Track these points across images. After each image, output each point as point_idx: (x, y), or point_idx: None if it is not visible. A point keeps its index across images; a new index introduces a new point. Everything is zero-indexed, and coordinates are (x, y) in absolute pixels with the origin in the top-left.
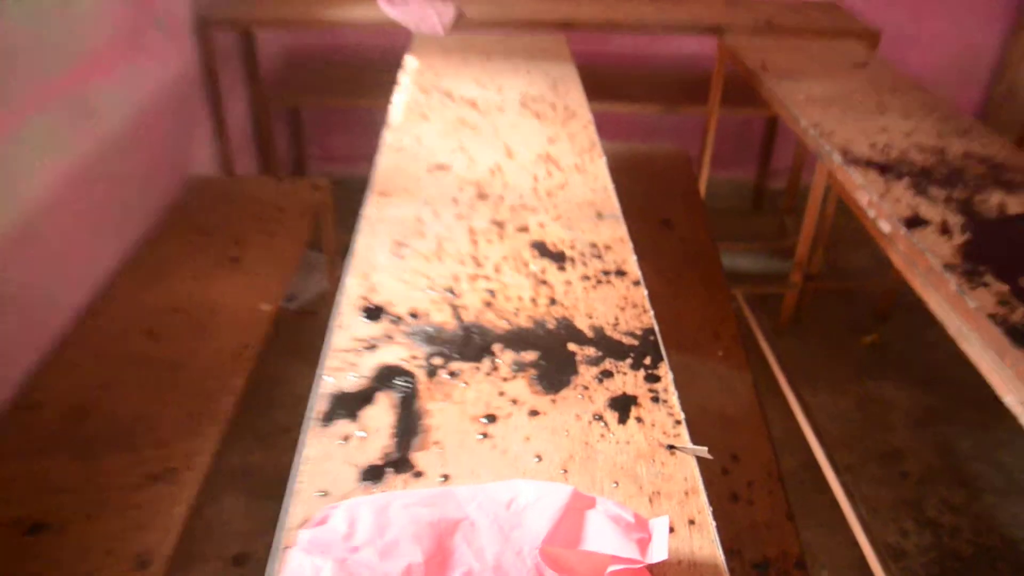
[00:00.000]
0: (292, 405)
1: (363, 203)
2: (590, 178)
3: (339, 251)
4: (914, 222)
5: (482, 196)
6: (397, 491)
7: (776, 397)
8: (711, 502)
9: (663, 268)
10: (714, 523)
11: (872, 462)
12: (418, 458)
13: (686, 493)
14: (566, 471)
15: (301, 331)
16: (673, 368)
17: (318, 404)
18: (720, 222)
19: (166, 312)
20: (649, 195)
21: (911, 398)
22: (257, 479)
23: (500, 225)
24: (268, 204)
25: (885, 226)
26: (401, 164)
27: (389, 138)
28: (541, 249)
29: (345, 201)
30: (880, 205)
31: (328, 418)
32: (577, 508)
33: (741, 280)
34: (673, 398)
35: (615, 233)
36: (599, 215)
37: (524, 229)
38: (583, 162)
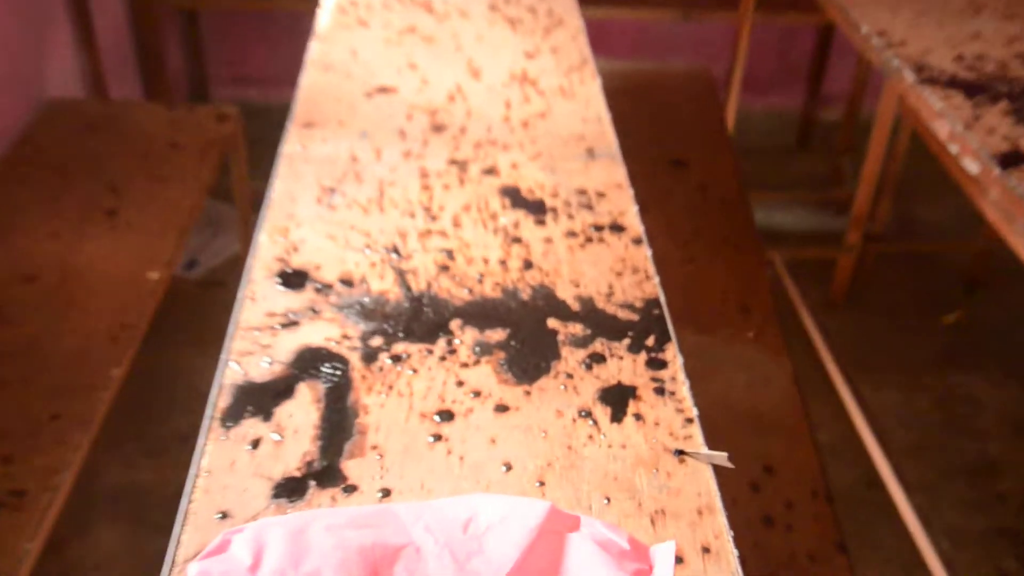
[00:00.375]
0: (192, 405)
1: (282, 139)
2: (580, 105)
3: (254, 202)
4: (1013, 159)
5: (437, 128)
6: (320, 510)
7: (824, 392)
8: (737, 526)
9: (675, 223)
10: (736, 552)
11: (957, 479)
12: (351, 468)
13: (699, 512)
14: (543, 483)
15: (204, 308)
16: (687, 352)
17: (220, 399)
18: (753, 164)
19: (15, 282)
20: (658, 128)
21: (1007, 395)
22: (144, 503)
23: (461, 166)
24: (156, 139)
25: (973, 166)
26: (332, 86)
27: (316, 51)
28: (514, 197)
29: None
30: (966, 138)
31: (232, 417)
32: (555, 530)
33: (780, 240)
34: (683, 389)
35: (611, 177)
36: (590, 153)
37: (492, 171)
38: (571, 84)
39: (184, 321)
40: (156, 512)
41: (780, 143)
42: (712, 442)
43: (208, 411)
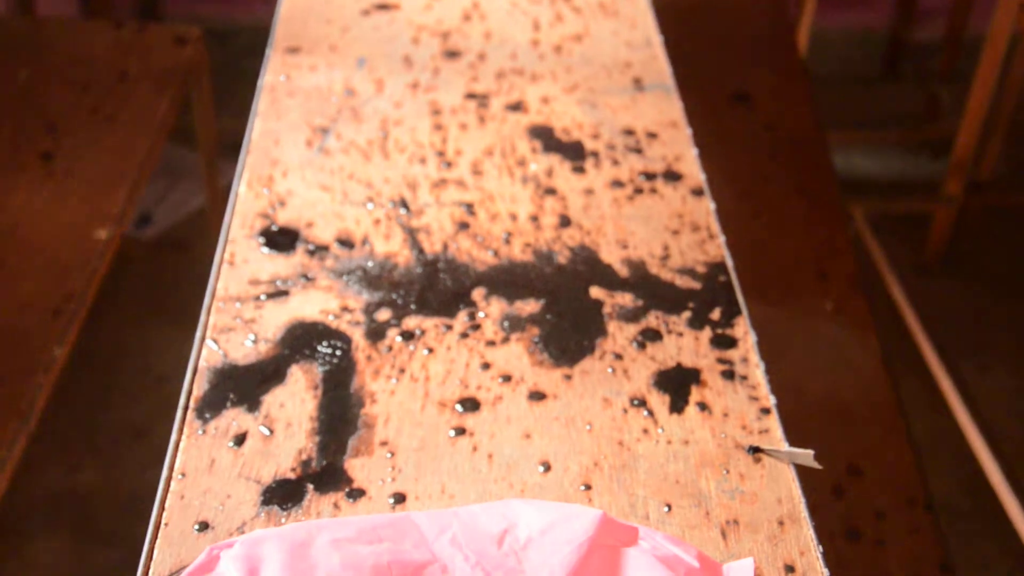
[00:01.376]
0: (148, 392)
1: (262, 67)
2: (625, 24)
3: (222, 145)
4: None
5: (451, 54)
6: (323, 520)
7: (918, 375)
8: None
9: (735, 171)
10: (827, 572)
11: None
12: (356, 468)
13: (780, 523)
14: (589, 487)
15: (161, 274)
16: (754, 326)
17: (196, 385)
18: (831, 97)
19: None
20: (716, 54)
21: None
22: (91, 510)
23: (481, 100)
24: (100, 67)
25: None
26: (320, 2)
27: None
28: (546, 139)
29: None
30: None
31: (211, 407)
32: (609, 544)
33: (864, 190)
34: (758, 373)
35: (664, 113)
36: (638, 84)
37: (518, 107)
38: (613, 0)
39: (137, 290)
40: (104, 520)
41: (864, 71)
42: (789, 438)
43: (182, 400)
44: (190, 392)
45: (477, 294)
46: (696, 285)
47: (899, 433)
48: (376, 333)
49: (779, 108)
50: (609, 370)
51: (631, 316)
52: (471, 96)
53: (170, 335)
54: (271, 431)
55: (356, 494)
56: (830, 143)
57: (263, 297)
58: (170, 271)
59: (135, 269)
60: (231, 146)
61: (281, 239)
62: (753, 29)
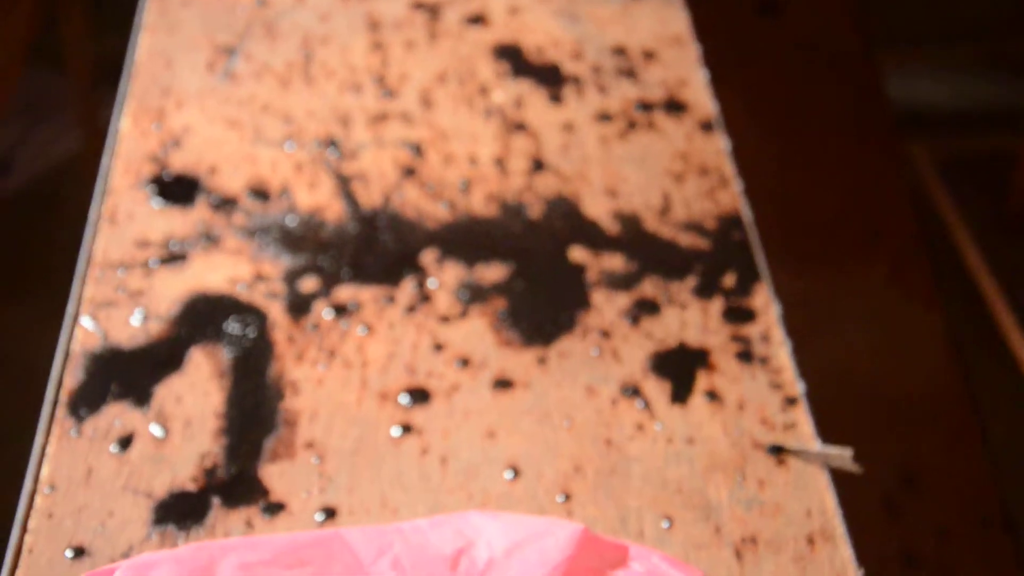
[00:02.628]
0: (7, 383)
1: None
2: None
3: (101, 68)
4: None
5: None
6: (231, 539)
7: (999, 362)
8: (864, 563)
9: (763, 101)
10: None
11: None
12: (274, 476)
13: (810, 540)
14: (568, 497)
15: (23, 235)
16: (786, 296)
17: (68, 375)
18: (883, 4)
19: None
20: None
21: None
22: None
23: (431, 11)
24: None
25: None
26: None
27: None
28: (514, 60)
29: None
30: None
31: (87, 402)
32: (592, 567)
33: (928, 125)
34: (782, 353)
35: (664, 26)
36: None
37: (479, 19)
38: None
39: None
40: None
41: None
42: (824, 434)
43: (49, 393)
44: (60, 383)
45: (427, 257)
46: (704, 244)
47: (970, 434)
48: (299, 307)
49: (816, 20)
50: (594, 351)
51: (622, 283)
52: (418, 6)
53: (35, 314)
54: (165, 431)
55: (274, 508)
56: (883, 64)
57: (154, 263)
58: (35, 233)
59: None
60: (112, 70)
61: (176, 189)
62: None
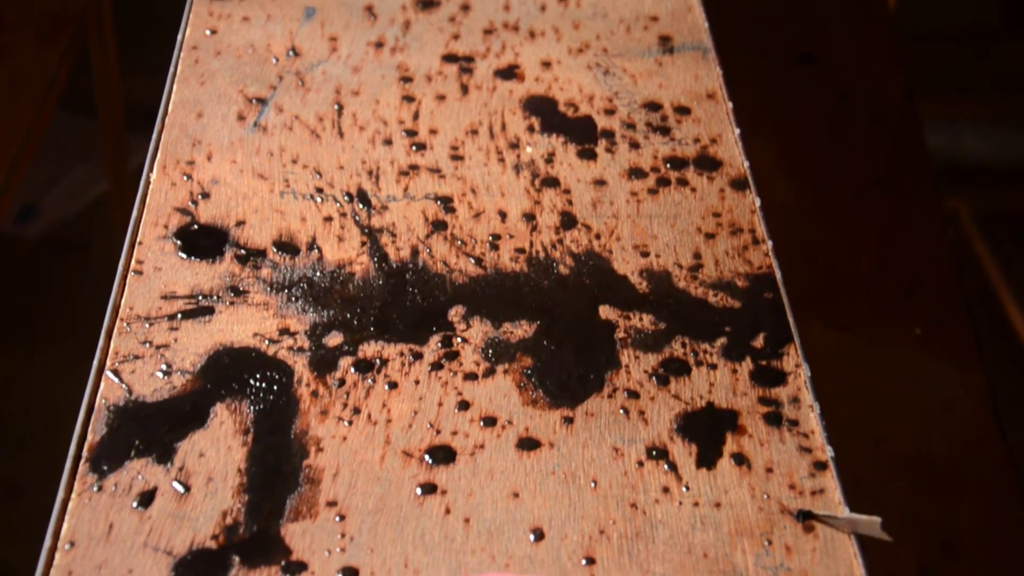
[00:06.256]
0: (29, 437)
1: (183, 16)
2: None
3: (130, 114)
4: None
5: (427, 2)
6: None
7: None
8: None
9: (799, 153)
10: None
11: None
12: (296, 535)
13: None
14: (592, 561)
15: (50, 282)
16: (816, 357)
17: (91, 429)
18: (927, 57)
19: None
20: (776, 1)
21: None
22: None
23: (464, 64)
24: None
25: None
26: None
27: None
28: (546, 115)
29: (141, 6)
30: None
31: (110, 457)
32: None
33: (971, 179)
34: (812, 417)
35: (698, 81)
36: (665, 44)
37: (511, 73)
38: None
39: (16, 304)
40: None
41: (972, 21)
42: (856, 501)
43: (72, 447)
44: (83, 437)
45: (454, 314)
46: (735, 304)
47: (1011, 500)
48: (324, 363)
49: (857, 72)
50: (621, 411)
51: (651, 343)
52: (451, 58)
53: (57, 363)
54: (187, 488)
55: (295, 568)
56: (925, 116)
57: (179, 316)
58: (60, 279)
59: (14, 276)
60: (142, 115)
61: (204, 241)
62: None
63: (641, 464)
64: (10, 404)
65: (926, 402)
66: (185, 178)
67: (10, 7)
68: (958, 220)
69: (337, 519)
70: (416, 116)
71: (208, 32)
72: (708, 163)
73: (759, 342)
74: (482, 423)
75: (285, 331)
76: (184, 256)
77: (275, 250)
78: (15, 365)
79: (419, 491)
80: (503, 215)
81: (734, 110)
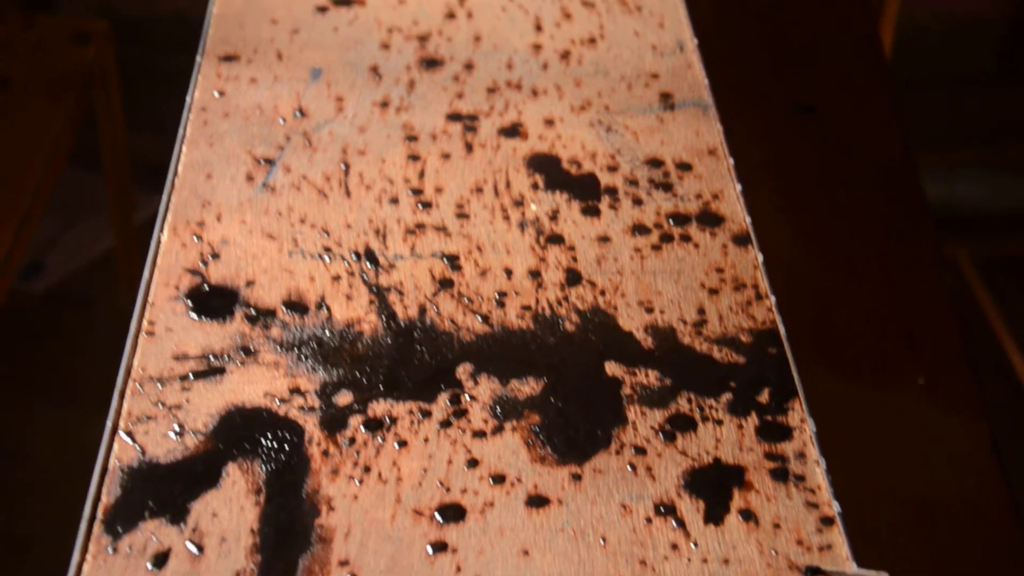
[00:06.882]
0: (36, 495)
1: (191, 79)
2: (650, 23)
3: (135, 168)
4: None
5: (431, 63)
6: None
7: None
8: None
9: (800, 204)
10: None
11: None
12: None
13: None
14: None
15: (55, 338)
16: (818, 407)
17: (105, 491)
18: (925, 106)
19: None
20: (774, 54)
21: None
22: None
23: (468, 123)
24: None
25: None
26: None
27: None
28: (550, 172)
29: (145, 63)
30: None
31: (124, 518)
32: None
33: (971, 227)
34: (818, 472)
35: (700, 138)
36: (667, 101)
37: (515, 131)
38: None
39: (21, 360)
40: None
41: (971, 70)
42: (862, 553)
43: (87, 509)
44: (97, 499)
45: (462, 371)
46: (739, 359)
47: (1016, 548)
48: (335, 422)
49: (856, 122)
50: (629, 468)
51: (657, 399)
52: (455, 117)
53: (62, 419)
54: (201, 548)
55: None
56: (924, 166)
57: (191, 376)
58: (65, 335)
59: (20, 332)
60: (146, 169)
61: (214, 301)
62: (821, 19)
63: (649, 521)
64: (17, 459)
65: (930, 452)
66: (195, 239)
67: (18, 66)
68: (958, 267)
69: None
70: (422, 175)
71: (216, 94)
72: (710, 219)
73: (764, 397)
74: (491, 480)
75: (295, 390)
76: (195, 317)
77: (285, 309)
78: (20, 420)
79: (430, 549)
80: (509, 272)
81: (735, 165)
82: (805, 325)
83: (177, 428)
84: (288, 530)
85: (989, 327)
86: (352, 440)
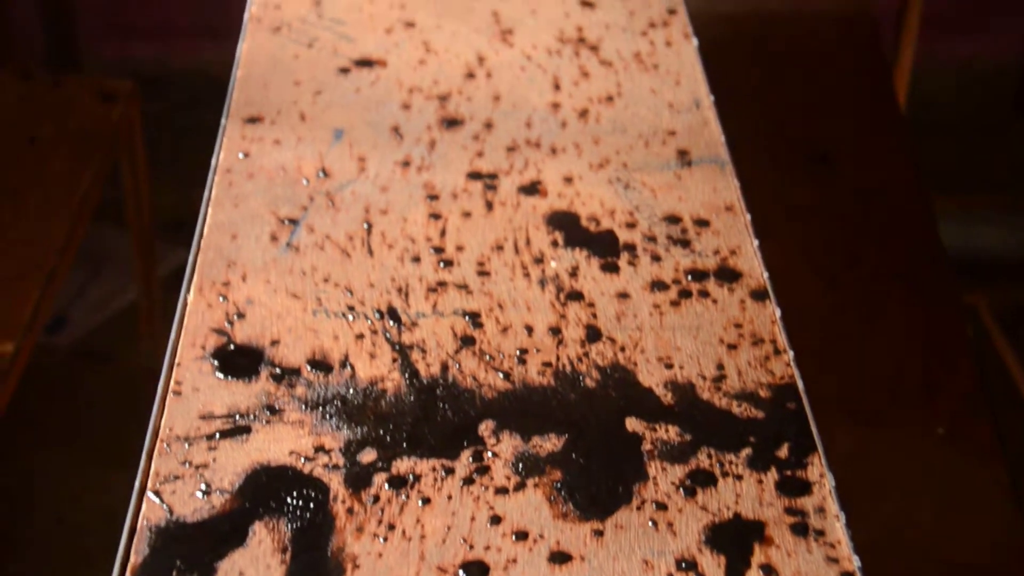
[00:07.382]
0: (60, 546)
1: (217, 140)
2: (667, 81)
3: (159, 223)
4: None
5: (451, 123)
6: None
7: None
8: None
9: (817, 254)
10: None
11: None
12: None
13: None
14: None
15: (79, 392)
16: (838, 457)
17: (134, 551)
18: (942, 153)
19: None
20: (790, 105)
21: None
22: None
23: (488, 181)
24: (6, 130)
25: None
26: (287, 57)
27: (258, 2)
28: (569, 229)
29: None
30: None
31: None
32: None
33: (990, 274)
34: (838, 526)
35: (717, 194)
36: (684, 158)
37: (535, 189)
38: (651, 48)
39: (45, 414)
40: None
41: (986, 117)
42: None
43: (116, 569)
44: (126, 559)
45: (484, 428)
46: (758, 414)
47: None
48: (359, 479)
49: (872, 171)
50: (650, 524)
51: (677, 455)
52: (475, 176)
53: (86, 472)
54: None
55: None
56: (941, 212)
57: (218, 436)
58: (88, 390)
59: (44, 387)
60: (169, 225)
61: (240, 361)
62: (838, 69)
63: None
64: (38, 511)
65: (949, 502)
66: (221, 299)
67: (46, 124)
68: (977, 315)
69: None
70: (443, 233)
71: (241, 155)
72: (728, 274)
73: (783, 452)
74: (514, 537)
75: (320, 448)
76: (221, 376)
77: (309, 368)
78: (46, 473)
79: None
80: (530, 329)
81: (752, 220)
82: (824, 375)
83: (204, 487)
84: None
85: (1008, 374)
86: (376, 498)
